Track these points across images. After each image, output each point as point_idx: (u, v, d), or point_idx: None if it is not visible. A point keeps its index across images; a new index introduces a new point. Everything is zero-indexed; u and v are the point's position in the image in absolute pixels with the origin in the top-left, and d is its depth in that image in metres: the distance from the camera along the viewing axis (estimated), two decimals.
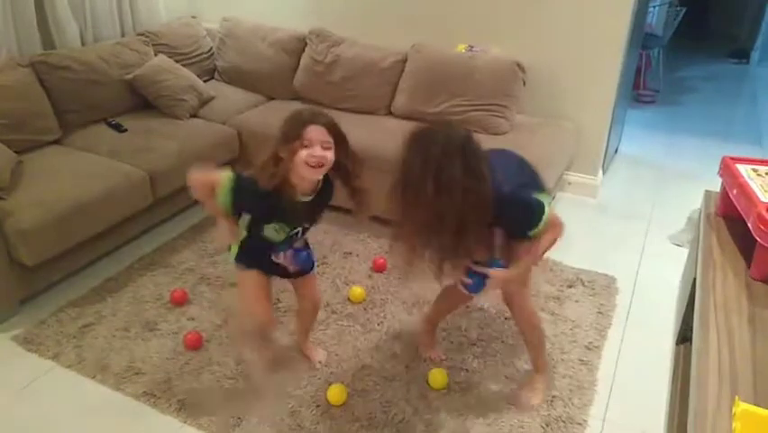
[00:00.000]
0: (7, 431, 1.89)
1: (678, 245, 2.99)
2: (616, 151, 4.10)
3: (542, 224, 1.69)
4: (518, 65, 3.13)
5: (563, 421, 1.94)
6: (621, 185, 3.71)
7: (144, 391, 2.03)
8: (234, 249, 1.89)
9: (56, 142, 2.92)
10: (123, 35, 3.58)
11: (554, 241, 1.76)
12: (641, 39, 4.01)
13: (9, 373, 2.10)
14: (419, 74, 3.28)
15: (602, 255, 2.88)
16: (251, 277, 1.87)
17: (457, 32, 3.44)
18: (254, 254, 1.86)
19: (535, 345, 2.02)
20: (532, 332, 1.99)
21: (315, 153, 1.64)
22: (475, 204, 1.52)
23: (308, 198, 1.78)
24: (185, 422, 1.92)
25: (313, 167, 1.65)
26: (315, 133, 1.64)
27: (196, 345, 2.23)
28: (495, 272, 1.72)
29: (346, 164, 1.73)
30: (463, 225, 1.53)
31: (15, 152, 2.63)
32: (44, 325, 2.33)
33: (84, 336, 2.28)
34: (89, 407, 1.99)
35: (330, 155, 1.67)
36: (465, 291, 1.78)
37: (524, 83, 3.20)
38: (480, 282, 1.73)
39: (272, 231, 1.81)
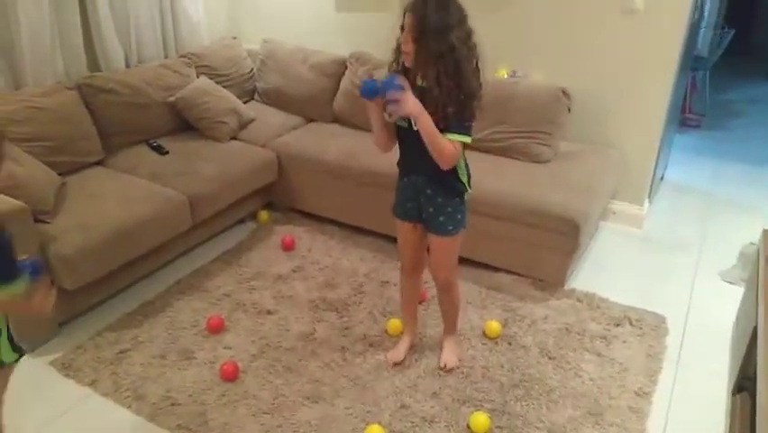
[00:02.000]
0: None
1: (730, 283, 2.86)
2: (661, 178, 3.97)
3: (460, 136, 1.80)
4: (563, 91, 3.05)
5: None
6: (667, 214, 3.57)
7: (179, 424, 2.00)
8: None
9: (99, 163, 2.95)
10: (165, 56, 3.62)
11: (446, 154, 1.80)
12: (690, 62, 3.89)
13: (47, 400, 2.10)
14: None
15: (650, 292, 2.76)
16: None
17: (498, 56, 3.37)
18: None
19: (452, 314, 2.29)
20: (453, 308, 2.27)
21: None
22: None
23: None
24: None
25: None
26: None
27: (232, 376, 2.20)
28: (405, 97, 1.73)
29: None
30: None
31: (59, 173, 2.66)
32: (81, 349, 2.33)
33: (121, 362, 2.27)
34: None
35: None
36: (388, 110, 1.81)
37: (569, 110, 3.11)
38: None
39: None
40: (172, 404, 2.08)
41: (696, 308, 2.69)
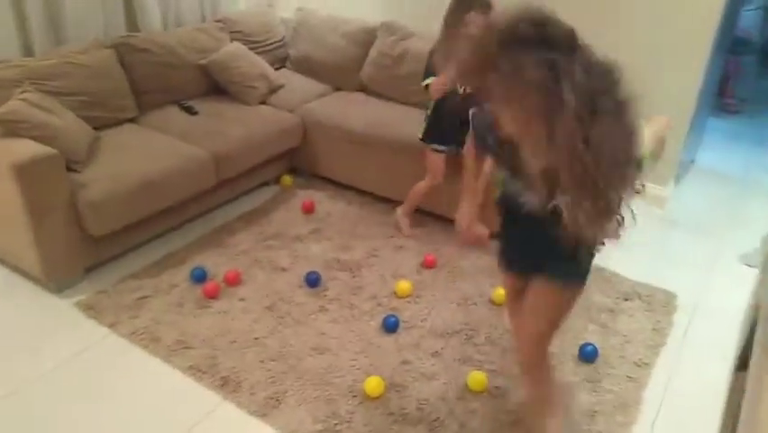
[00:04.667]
0: (60, 390, 2.02)
1: (749, 266, 2.81)
2: (692, 161, 3.89)
3: None
4: None
5: None
6: (694, 198, 3.51)
7: (191, 366, 2.11)
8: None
9: (132, 120, 3.07)
10: (203, 20, 3.72)
11: None
12: (729, 43, 3.78)
13: (69, 337, 2.24)
14: None
15: (665, 270, 2.74)
16: None
17: None
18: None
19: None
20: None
21: None
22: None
23: None
24: (225, 399, 1.99)
25: None
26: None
27: (213, 294, 2.45)
28: None
29: None
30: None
31: (94, 127, 2.79)
32: (105, 294, 2.46)
33: (140, 307, 2.39)
34: (139, 376, 2.09)
35: None
36: None
37: None
38: None
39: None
40: (185, 347, 2.20)
41: (711, 288, 2.66)
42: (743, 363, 2.06)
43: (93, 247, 2.51)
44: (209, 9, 3.78)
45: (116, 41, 3.08)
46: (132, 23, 3.39)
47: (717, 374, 2.17)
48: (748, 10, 4.92)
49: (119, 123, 3.01)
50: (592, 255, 1.51)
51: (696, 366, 2.21)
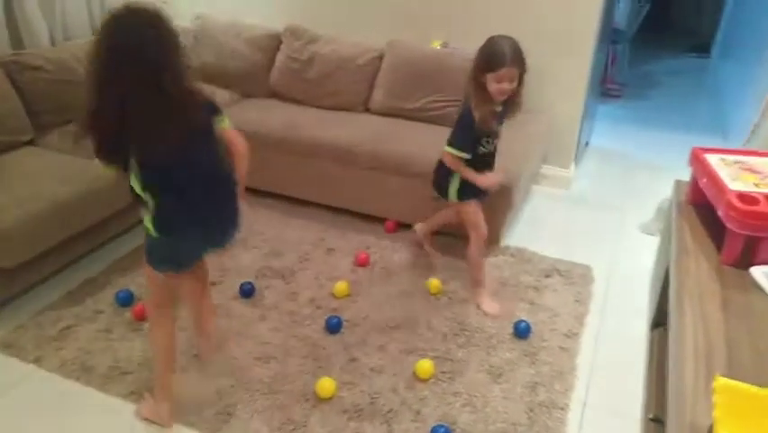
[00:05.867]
0: None
1: (649, 234, 3.10)
2: (586, 144, 4.20)
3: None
4: None
5: (546, 407, 2.00)
6: (592, 177, 3.81)
7: (132, 391, 2.02)
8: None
9: (30, 143, 2.87)
10: (93, 34, 3.52)
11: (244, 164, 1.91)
12: (609, 34, 4.12)
13: None
14: (396, 70, 3.31)
15: (577, 245, 2.96)
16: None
17: (431, 27, 3.49)
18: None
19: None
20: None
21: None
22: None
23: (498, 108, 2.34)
24: (175, 420, 1.92)
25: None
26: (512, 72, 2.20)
27: (144, 315, 2.32)
28: None
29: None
30: None
31: None
32: (23, 329, 2.30)
33: (65, 338, 2.26)
34: (75, 410, 1.97)
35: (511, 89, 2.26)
36: None
37: None
38: None
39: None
40: (122, 373, 2.10)
41: (619, 258, 2.91)
42: (657, 322, 2.28)
43: (3, 281, 2.32)
44: (99, 22, 3.59)
45: (5, 59, 2.87)
46: (17, 40, 3.16)
47: (636, 333, 2.38)
48: (618, 1, 5.38)
49: (15, 147, 2.81)
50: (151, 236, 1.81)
51: (617, 329, 2.41)
